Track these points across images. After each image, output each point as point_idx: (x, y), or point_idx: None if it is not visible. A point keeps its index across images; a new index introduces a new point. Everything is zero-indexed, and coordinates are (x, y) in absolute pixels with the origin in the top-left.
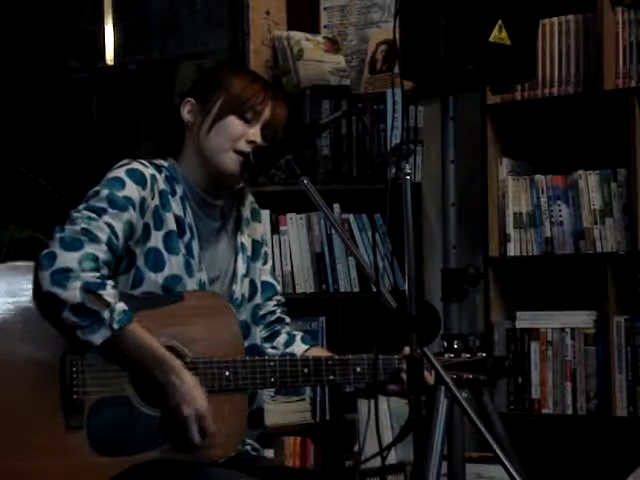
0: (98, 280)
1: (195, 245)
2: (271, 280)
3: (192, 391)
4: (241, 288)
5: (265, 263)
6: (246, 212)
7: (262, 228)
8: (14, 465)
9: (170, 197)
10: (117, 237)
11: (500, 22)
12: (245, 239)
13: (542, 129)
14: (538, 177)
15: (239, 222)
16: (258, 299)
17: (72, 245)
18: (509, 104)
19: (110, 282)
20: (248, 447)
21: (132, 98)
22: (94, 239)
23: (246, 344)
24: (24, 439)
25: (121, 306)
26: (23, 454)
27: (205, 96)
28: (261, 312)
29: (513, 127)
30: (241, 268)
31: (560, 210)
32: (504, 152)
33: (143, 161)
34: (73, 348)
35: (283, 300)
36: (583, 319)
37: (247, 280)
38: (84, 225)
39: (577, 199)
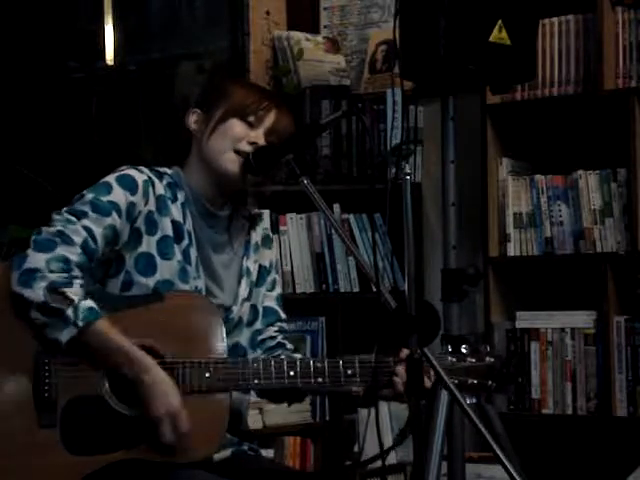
0: (65, 279)
1: (193, 252)
2: (275, 307)
3: (165, 389)
4: (239, 311)
5: (272, 290)
6: (257, 237)
7: (272, 255)
8: None
9: (170, 202)
10: (95, 241)
11: (500, 22)
12: (251, 264)
13: (542, 129)
14: (538, 177)
15: (247, 246)
16: (258, 324)
17: (44, 246)
18: (509, 104)
19: (78, 281)
20: (245, 447)
21: (132, 98)
22: (68, 242)
23: None
24: None
25: (87, 304)
26: None
27: (209, 105)
28: (260, 337)
29: (513, 127)
30: (243, 292)
31: (560, 210)
32: (504, 152)
33: (141, 167)
34: (44, 347)
35: (287, 328)
36: (583, 319)
37: (248, 305)
38: (60, 227)
39: (577, 199)
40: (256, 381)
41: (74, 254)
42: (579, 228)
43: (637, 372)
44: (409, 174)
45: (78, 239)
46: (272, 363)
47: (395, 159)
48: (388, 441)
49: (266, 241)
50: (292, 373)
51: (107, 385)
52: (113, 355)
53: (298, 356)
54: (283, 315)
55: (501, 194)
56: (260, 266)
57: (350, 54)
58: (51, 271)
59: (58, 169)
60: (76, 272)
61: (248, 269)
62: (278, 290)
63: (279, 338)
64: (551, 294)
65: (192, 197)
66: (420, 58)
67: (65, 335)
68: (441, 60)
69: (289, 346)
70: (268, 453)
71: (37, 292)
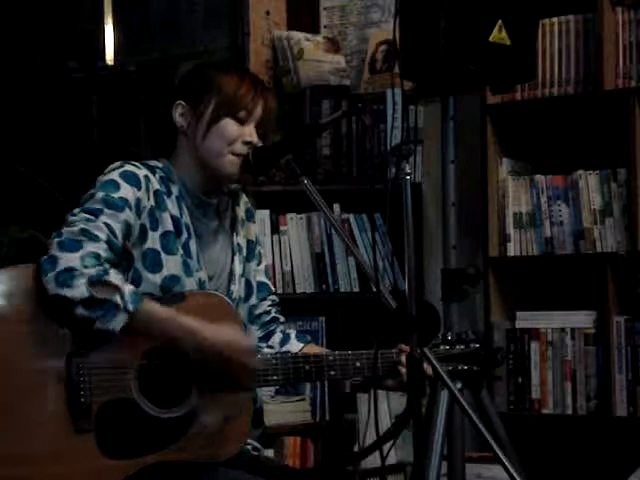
0: (101, 271)
1: (193, 245)
2: (265, 280)
3: (234, 338)
4: (238, 289)
5: (259, 263)
6: (241, 212)
7: (256, 228)
8: (23, 472)
9: (166, 197)
10: (116, 236)
11: (500, 22)
12: (241, 239)
13: (542, 129)
14: (538, 177)
15: (234, 222)
16: (253, 299)
17: (72, 246)
18: (509, 104)
19: (113, 270)
20: (249, 447)
21: (132, 98)
22: (93, 238)
23: None
24: (31, 445)
25: (130, 288)
26: (31, 460)
27: (196, 98)
28: (256, 312)
29: (513, 127)
30: (238, 268)
31: (560, 210)
32: (504, 152)
33: (135, 163)
34: (86, 345)
35: (277, 300)
36: (583, 319)
37: (243, 280)
38: (82, 226)
39: (577, 199)
40: (275, 377)
41: (102, 250)
42: (579, 228)
43: (637, 372)
44: (409, 174)
45: (102, 235)
46: (289, 360)
47: (395, 159)
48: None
49: (249, 214)
50: (307, 368)
51: (138, 388)
52: (170, 329)
53: (293, 331)
54: (272, 287)
55: (501, 194)
56: (248, 241)
57: (350, 54)
58: (86, 267)
59: (58, 169)
60: (108, 265)
61: (239, 245)
62: (264, 262)
63: (273, 312)
64: (551, 294)
65: (185, 190)
66: (420, 58)
67: (118, 323)
68: (441, 60)
69: (282, 319)
70: (268, 453)
71: (80, 289)
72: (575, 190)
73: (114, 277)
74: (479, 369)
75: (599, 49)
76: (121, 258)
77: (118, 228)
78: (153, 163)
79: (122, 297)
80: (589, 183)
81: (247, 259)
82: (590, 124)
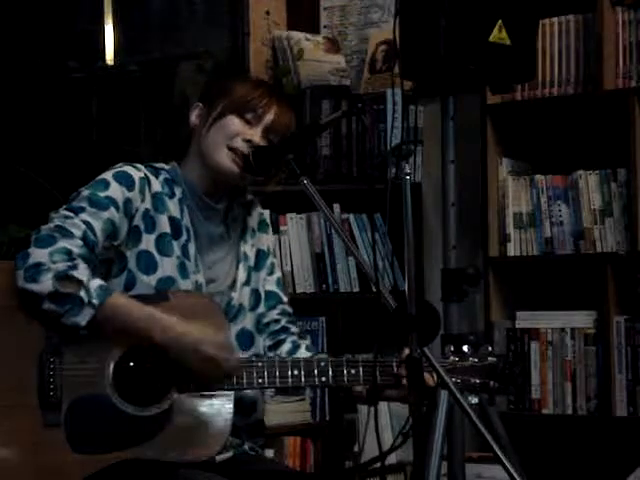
0: (69, 266)
1: (192, 247)
2: (276, 290)
3: (202, 333)
4: (240, 296)
5: (271, 274)
6: (252, 223)
7: (269, 240)
8: None
9: (167, 199)
10: (94, 234)
11: (500, 22)
12: (248, 248)
13: (542, 129)
14: (538, 177)
15: (244, 232)
16: (261, 308)
17: (45, 242)
18: (509, 104)
19: (83, 265)
20: (246, 447)
21: (132, 98)
22: (67, 235)
23: (250, 353)
24: (1, 436)
25: (97, 282)
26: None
27: (211, 100)
28: (264, 320)
29: (513, 127)
30: (241, 276)
31: (560, 210)
32: (504, 152)
33: (137, 164)
34: (63, 339)
35: (290, 310)
36: (583, 319)
37: (248, 289)
38: (58, 223)
39: (577, 199)
40: (260, 380)
41: (75, 246)
42: (579, 228)
43: (637, 372)
44: (409, 174)
45: (77, 232)
46: (276, 363)
47: (395, 159)
48: (388, 440)
49: (262, 226)
50: (296, 372)
51: (112, 384)
52: (139, 322)
53: (305, 342)
54: (285, 298)
55: (501, 194)
56: (258, 250)
57: (350, 54)
58: (54, 262)
59: (58, 169)
60: (79, 260)
61: (245, 254)
62: (278, 273)
63: (283, 322)
64: (551, 294)
65: (190, 192)
66: (420, 58)
67: (84, 317)
68: (441, 60)
69: (294, 329)
70: (268, 453)
71: (46, 284)
72: (575, 190)
73: (81, 272)
74: (498, 385)
75: (599, 49)
76: (114, 260)
77: (98, 226)
78: (159, 165)
79: (87, 291)
80: (589, 183)
81: (256, 268)
82: (590, 124)
